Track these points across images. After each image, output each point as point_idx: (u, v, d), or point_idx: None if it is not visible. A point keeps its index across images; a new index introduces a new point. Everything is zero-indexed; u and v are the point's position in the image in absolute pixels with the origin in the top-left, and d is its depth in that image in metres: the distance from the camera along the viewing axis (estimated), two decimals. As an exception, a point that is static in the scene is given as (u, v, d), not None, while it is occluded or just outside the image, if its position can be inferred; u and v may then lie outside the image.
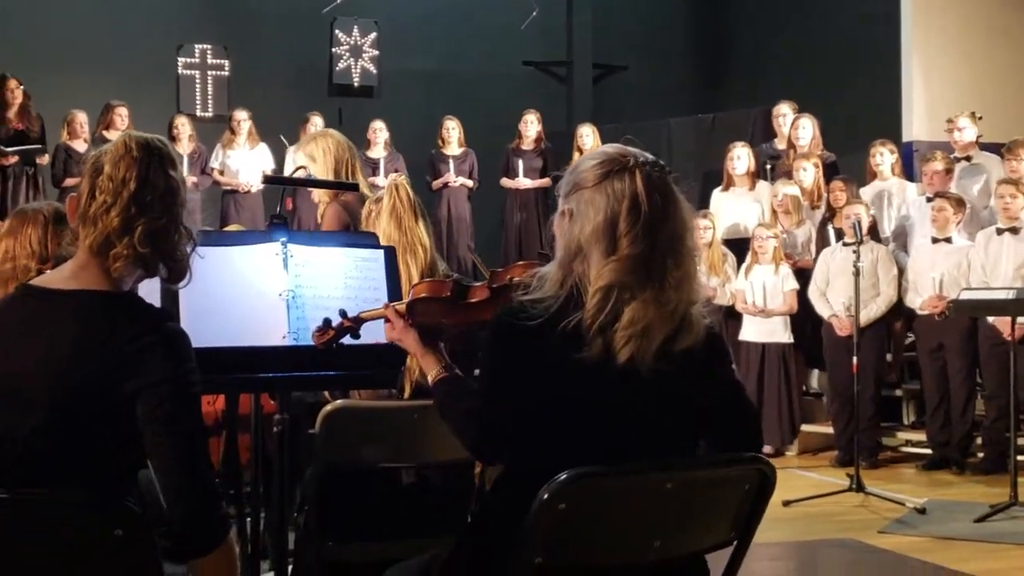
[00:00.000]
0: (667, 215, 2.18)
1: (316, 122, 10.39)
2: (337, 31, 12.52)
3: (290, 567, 3.32)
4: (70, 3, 11.62)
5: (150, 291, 2.46)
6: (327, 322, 2.75)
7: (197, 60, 12.17)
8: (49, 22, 11.49)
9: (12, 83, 9.69)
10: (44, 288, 2.20)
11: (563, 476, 2.00)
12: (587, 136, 10.14)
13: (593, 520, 2.08)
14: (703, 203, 9.14)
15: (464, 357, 2.64)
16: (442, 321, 2.55)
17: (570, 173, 2.28)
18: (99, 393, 2.06)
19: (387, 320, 2.59)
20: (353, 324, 2.74)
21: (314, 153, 4.27)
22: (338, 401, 3.25)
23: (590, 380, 2.13)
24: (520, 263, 2.50)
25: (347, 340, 2.77)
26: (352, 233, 3.54)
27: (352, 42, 12.59)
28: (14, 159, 9.47)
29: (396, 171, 9.87)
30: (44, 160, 9.75)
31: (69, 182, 9.56)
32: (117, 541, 1.88)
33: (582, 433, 2.14)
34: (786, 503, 6.03)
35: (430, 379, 2.46)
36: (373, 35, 12.61)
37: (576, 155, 10.15)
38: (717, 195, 8.98)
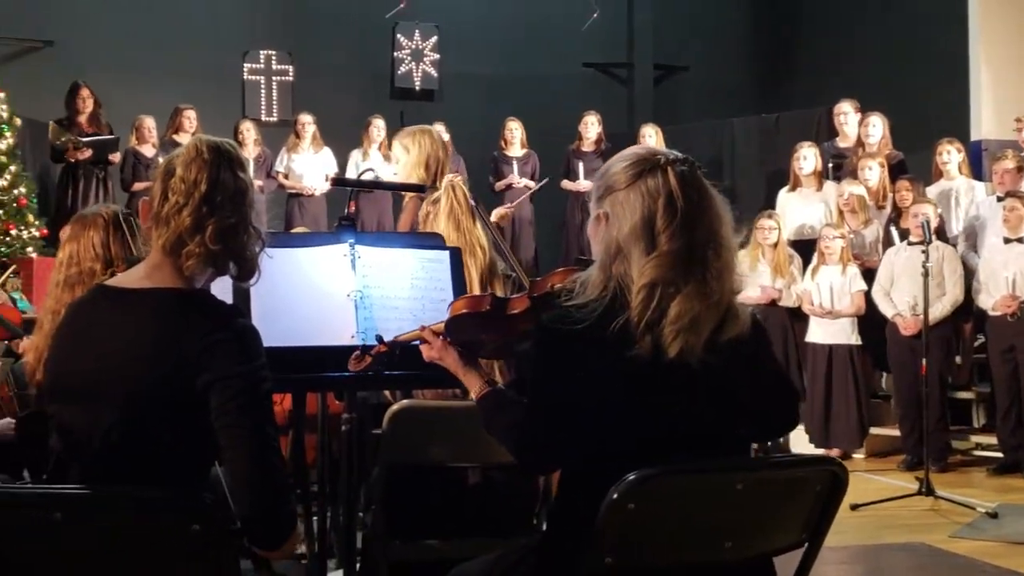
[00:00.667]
0: (703, 209, 2.19)
1: (378, 125, 10.49)
2: (399, 35, 12.62)
3: (357, 566, 3.36)
4: (138, 12, 11.84)
5: (222, 291, 2.51)
6: (364, 349, 2.76)
7: (262, 66, 12.35)
8: (118, 30, 11.72)
9: (84, 91, 9.90)
10: (119, 288, 2.27)
11: (632, 476, 2.00)
12: (650, 136, 10.07)
13: (663, 520, 2.08)
14: (768, 203, 9.07)
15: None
16: (481, 336, 2.55)
17: (600, 178, 2.29)
18: (173, 388, 2.10)
19: (424, 341, 2.59)
20: (390, 348, 2.75)
21: (408, 145, 4.27)
22: (404, 401, 3.27)
23: (643, 378, 2.13)
24: (559, 270, 2.48)
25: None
26: (418, 234, 3.56)
27: (414, 46, 12.69)
28: (88, 153, 9.63)
29: (455, 172, 9.92)
30: (116, 158, 9.92)
31: (138, 186, 9.72)
32: (194, 536, 1.90)
33: (639, 431, 2.14)
34: (854, 507, 5.96)
35: (473, 395, 2.46)
36: (434, 39, 12.70)
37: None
38: (783, 195, 8.90)
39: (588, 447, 2.17)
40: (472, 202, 3.58)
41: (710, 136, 11.88)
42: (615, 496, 2.00)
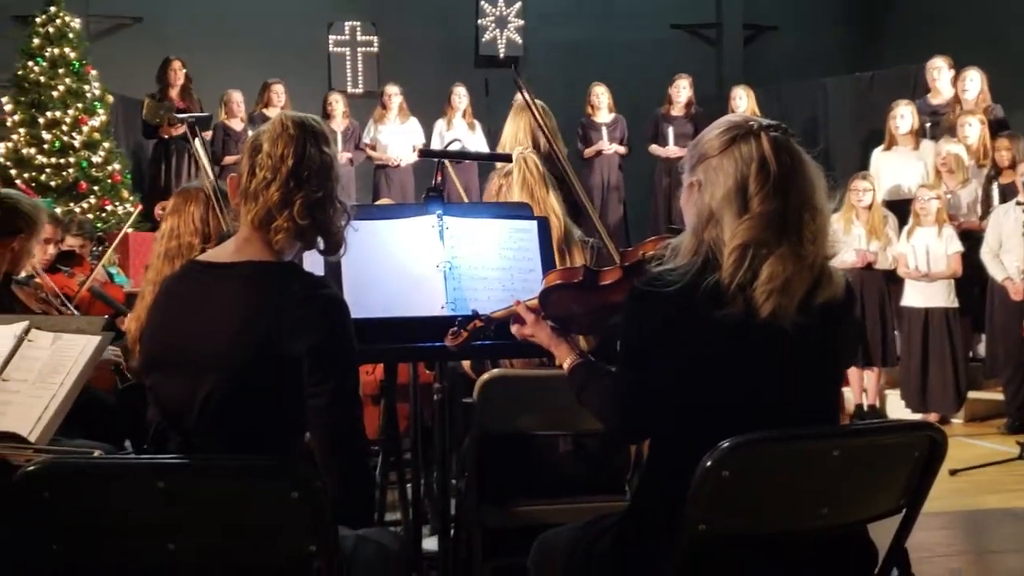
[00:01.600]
0: (796, 174, 2.19)
1: (459, 93, 10.52)
2: (483, 3, 12.61)
3: (451, 532, 3.41)
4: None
5: (314, 264, 2.57)
6: (460, 323, 2.78)
7: (347, 37, 12.43)
8: (206, 5, 11.90)
9: (176, 64, 10.10)
10: (211, 262, 2.33)
11: (726, 444, 2.00)
12: (741, 99, 9.92)
13: (758, 487, 2.08)
14: (862, 164, 8.90)
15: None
16: (574, 308, 2.56)
17: (693, 147, 2.29)
18: (266, 358, 2.16)
19: (516, 317, 2.61)
20: (486, 324, 2.77)
21: (509, 121, 4.35)
22: (494, 371, 3.30)
23: (734, 339, 2.13)
24: (650, 239, 2.50)
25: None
26: (505, 204, 3.58)
27: (497, 13, 12.67)
28: (181, 129, 9.82)
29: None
30: (208, 134, 10.10)
31: (227, 160, 9.89)
32: (292, 503, 1.95)
33: (731, 394, 2.14)
34: (953, 472, 5.86)
35: (565, 367, 2.48)
36: (518, 5, 12.66)
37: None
38: (877, 155, 8.73)
39: (680, 412, 2.17)
40: (544, 172, 3.58)
41: (802, 97, 11.68)
42: (709, 464, 2.00)
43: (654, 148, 10.43)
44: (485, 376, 3.22)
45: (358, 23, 12.44)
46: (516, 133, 4.30)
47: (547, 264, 3.19)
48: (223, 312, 2.21)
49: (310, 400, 2.16)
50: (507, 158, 3.69)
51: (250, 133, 8.53)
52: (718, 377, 2.15)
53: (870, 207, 7.90)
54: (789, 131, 2.24)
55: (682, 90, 10.41)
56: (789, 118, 9.02)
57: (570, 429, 3.32)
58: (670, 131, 10.31)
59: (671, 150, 10.22)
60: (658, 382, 2.18)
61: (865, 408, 7.78)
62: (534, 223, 3.30)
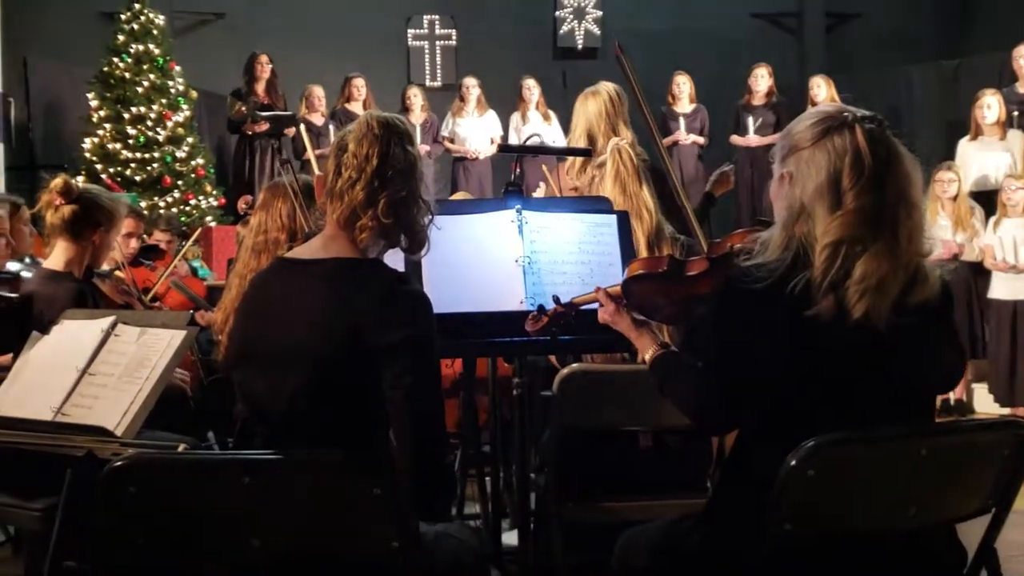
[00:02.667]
0: (892, 167, 2.14)
1: (529, 85, 10.55)
2: (560, -7, 12.58)
3: (531, 526, 3.41)
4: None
5: (395, 259, 2.58)
6: (541, 309, 2.79)
7: (425, 31, 12.48)
8: (285, 1, 12.02)
9: (263, 58, 10.21)
10: (297, 259, 2.37)
11: (812, 443, 1.97)
12: (820, 88, 9.81)
13: (844, 487, 2.04)
14: (948, 154, 8.72)
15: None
16: (658, 299, 2.54)
17: (784, 137, 2.25)
18: (351, 352, 2.18)
19: (600, 303, 2.60)
20: (567, 310, 2.76)
21: (576, 111, 4.36)
22: (574, 365, 3.29)
23: (824, 339, 2.09)
24: (738, 231, 2.44)
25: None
26: (584, 198, 3.56)
27: (576, 4, 12.63)
28: (265, 126, 9.94)
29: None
30: (291, 131, 10.21)
31: (308, 155, 9.97)
32: (375, 499, 1.96)
33: (820, 393, 2.11)
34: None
35: (647, 359, 2.45)
36: (597, -5, 12.62)
37: (810, 108, 9.86)
38: (964, 145, 8.55)
39: (766, 408, 2.15)
40: (638, 165, 3.55)
41: (886, 86, 11.47)
42: (794, 463, 1.97)
43: (734, 138, 10.33)
44: (565, 371, 3.22)
45: (437, 16, 12.49)
46: (589, 120, 4.26)
47: (627, 259, 3.17)
48: (308, 308, 2.24)
49: (390, 393, 2.18)
50: (587, 152, 3.68)
51: (331, 128, 8.64)
52: (807, 376, 2.11)
53: (955, 198, 7.75)
54: (885, 123, 2.19)
55: (761, 79, 10.30)
56: (871, 107, 8.83)
57: (651, 425, 3.30)
58: (750, 121, 10.21)
59: (751, 140, 10.12)
60: (744, 378, 2.15)
61: (952, 402, 7.64)
62: (613, 217, 3.29)
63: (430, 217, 2.40)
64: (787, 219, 2.19)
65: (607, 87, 4.37)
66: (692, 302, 2.49)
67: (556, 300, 2.77)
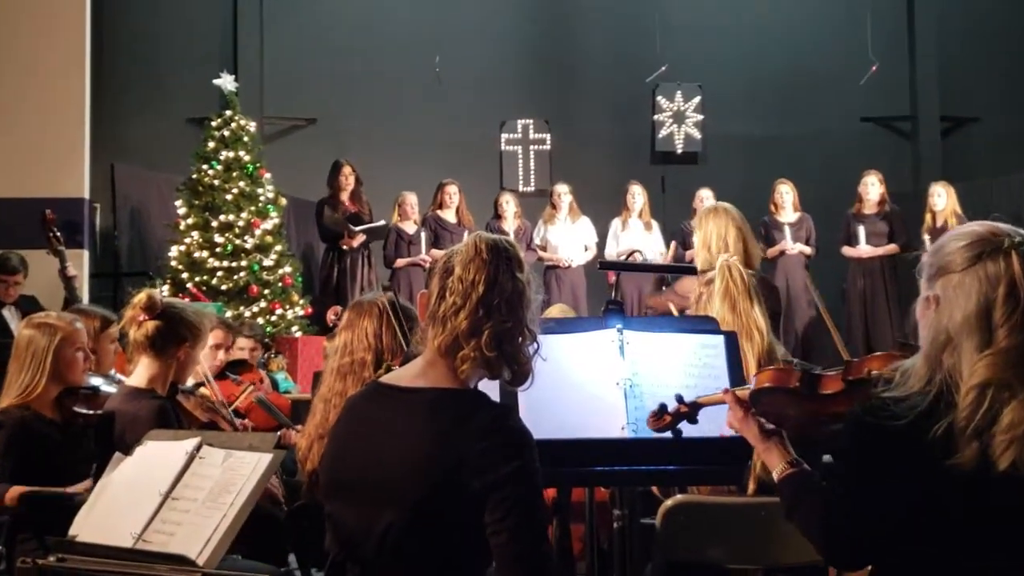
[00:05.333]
0: None
1: (634, 191, 10.56)
2: (659, 98, 12.71)
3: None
4: (398, 87, 12.38)
5: (489, 383, 2.56)
6: (663, 407, 2.77)
7: (519, 135, 12.68)
8: (379, 106, 12.30)
9: (346, 169, 10.36)
10: (395, 386, 2.36)
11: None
12: (940, 196, 9.65)
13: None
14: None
15: (806, 446, 2.57)
16: (787, 411, 2.50)
17: (933, 255, 2.19)
18: (450, 490, 2.16)
19: (728, 406, 2.57)
20: (690, 409, 2.74)
21: (696, 227, 4.38)
22: (678, 496, 3.23)
23: (965, 489, 2.02)
24: (878, 354, 2.40)
25: (685, 426, 2.77)
26: (690, 318, 3.53)
27: (675, 108, 12.74)
28: (361, 238, 10.10)
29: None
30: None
31: (399, 263, 10.09)
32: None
33: (961, 547, 2.03)
34: None
35: (775, 475, 2.42)
36: (697, 99, 12.71)
37: (928, 217, 9.71)
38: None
39: (901, 553, 2.08)
40: (749, 282, 3.52)
41: (1008, 192, 11.30)
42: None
43: (846, 250, 10.17)
44: (669, 502, 3.16)
45: (531, 121, 12.69)
46: (708, 237, 4.26)
47: (736, 382, 3.11)
48: (405, 441, 2.23)
49: (492, 538, 2.14)
50: (691, 270, 3.66)
51: (423, 236, 8.69)
52: (946, 529, 2.04)
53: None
54: None
55: (871, 186, 10.14)
56: (992, 216, 8.69)
57: (763, 562, 3.21)
58: (861, 230, 10.05)
59: (863, 250, 9.99)
60: (876, 517, 2.09)
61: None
62: (721, 338, 3.24)
63: (536, 347, 2.38)
64: (931, 350, 2.13)
65: (728, 207, 4.43)
66: (824, 420, 2.45)
67: (679, 399, 2.74)
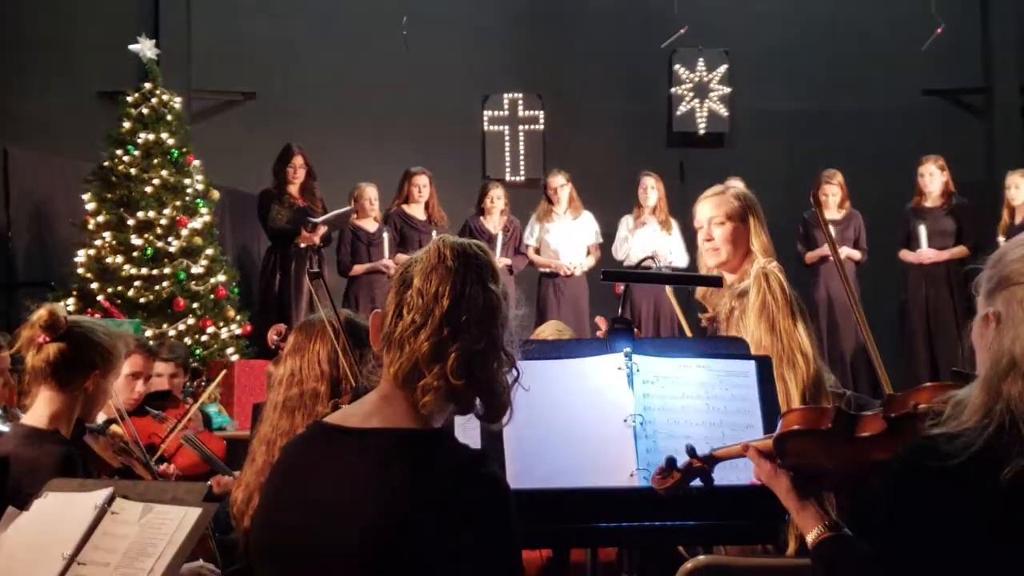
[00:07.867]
0: None
1: (648, 184, 10.57)
2: (677, 67, 12.73)
3: None
4: (354, 56, 12.39)
5: (468, 419, 2.56)
6: (671, 462, 2.77)
7: (506, 113, 12.69)
8: (332, 77, 12.31)
9: (297, 159, 10.32)
10: (341, 427, 2.34)
11: None
12: (1019, 187, 9.68)
13: None
14: None
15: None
16: (820, 461, 2.51)
17: (994, 265, 2.23)
18: (404, 555, 2.15)
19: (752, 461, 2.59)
20: (705, 464, 2.74)
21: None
22: (701, 557, 3.24)
23: None
24: (926, 386, 2.40)
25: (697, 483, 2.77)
26: (714, 339, 3.54)
27: (697, 79, 12.75)
28: (323, 229, 10.12)
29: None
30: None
31: (357, 269, 10.07)
32: None
33: None
34: None
35: (808, 540, 2.44)
36: (723, 68, 12.74)
37: (1004, 212, 9.73)
38: None
39: None
40: (791, 295, 3.52)
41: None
42: None
43: (904, 253, 10.20)
44: (690, 565, 3.17)
45: (520, 95, 12.70)
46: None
47: (770, 418, 3.12)
48: (353, 494, 2.21)
49: None
50: (716, 282, 3.66)
51: (386, 235, 8.71)
52: None
53: None
54: None
55: (933, 176, 10.17)
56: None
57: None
58: (922, 230, 10.06)
59: (925, 254, 10.00)
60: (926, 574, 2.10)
61: None
62: (751, 364, 3.25)
63: (516, 375, 2.37)
64: (991, 375, 2.14)
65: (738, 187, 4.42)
66: (864, 469, 2.45)
67: (691, 452, 2.74)
